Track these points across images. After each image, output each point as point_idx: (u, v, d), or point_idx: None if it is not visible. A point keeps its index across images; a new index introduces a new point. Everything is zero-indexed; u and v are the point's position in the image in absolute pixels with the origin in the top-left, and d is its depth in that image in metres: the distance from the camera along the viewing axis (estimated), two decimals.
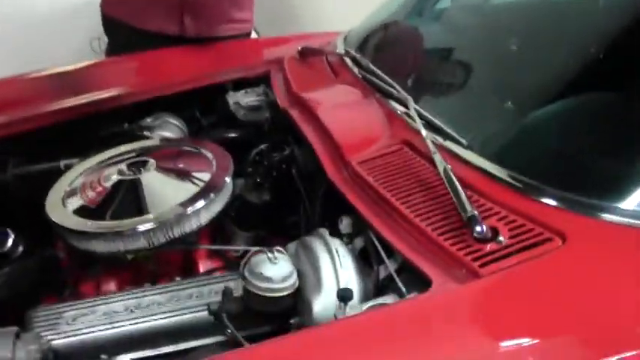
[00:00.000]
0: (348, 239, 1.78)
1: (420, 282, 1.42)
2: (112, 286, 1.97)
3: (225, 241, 2.10)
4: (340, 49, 2.48)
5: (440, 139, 1.77)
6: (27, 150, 2.39)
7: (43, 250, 1.98)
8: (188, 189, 1.98)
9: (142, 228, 1.82)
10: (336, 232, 1.78)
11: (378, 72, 2.10)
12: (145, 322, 1.78)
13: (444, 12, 2.61)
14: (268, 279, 1.57)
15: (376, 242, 1.61)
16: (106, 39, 3.34)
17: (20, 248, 1.92)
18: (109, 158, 2.20)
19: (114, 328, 1.77)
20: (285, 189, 2.10)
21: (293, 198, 2.09)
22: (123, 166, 2.03)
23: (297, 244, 1.76)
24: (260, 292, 1.58)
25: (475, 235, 1.44)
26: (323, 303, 1.56)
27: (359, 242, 1.73)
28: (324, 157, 1.87)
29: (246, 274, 1.60)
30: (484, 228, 1.44)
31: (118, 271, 1.99)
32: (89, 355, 1.75)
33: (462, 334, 1.32)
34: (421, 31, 2.52)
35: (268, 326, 1.67)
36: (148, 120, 2.51)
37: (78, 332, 1.76)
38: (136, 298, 1.83)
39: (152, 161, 2.04)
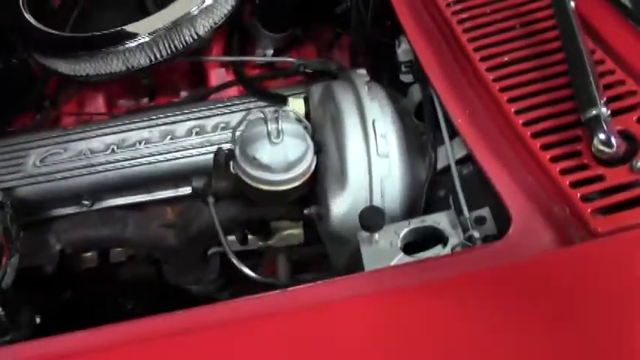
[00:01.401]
0: (407, 69, 1.21)
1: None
2: (98, 103, 1.51)
3: (246, 43, 1.53)
4: None
5: None
6: None
7: (10, 54, 1.48)
8: None
9: (141, 40, 1.30)
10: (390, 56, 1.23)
11: None
12: (130, 166, 1.35)
13: None
14: (266, 167, 1.06)
15: (441, 117, 1.04)
16: None
17: None
18: None
19: (90, 173, 1.36)
20: None
21: None
22: None
23: (324, 89, 1.20)
24: (254, 184, 1.08)
25: (595, 148, 0.84)
26: (346, 204, 1.05)
27: (416, 93, 1.16)
28: None
29: (237, 152, 1.09)
30: (612, 139, 0.83)
31: (106, 84, 1.51)
32: (63, 202, 1.41)
33: None
34: None
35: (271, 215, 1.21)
36: None
37: (46, 177, 1.37)
38: (120, 131, 1.38)
39: None
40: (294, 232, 1.31)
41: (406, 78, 1.24)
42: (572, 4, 0.93)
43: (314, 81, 1.43)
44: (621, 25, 0.96)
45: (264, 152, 1.05)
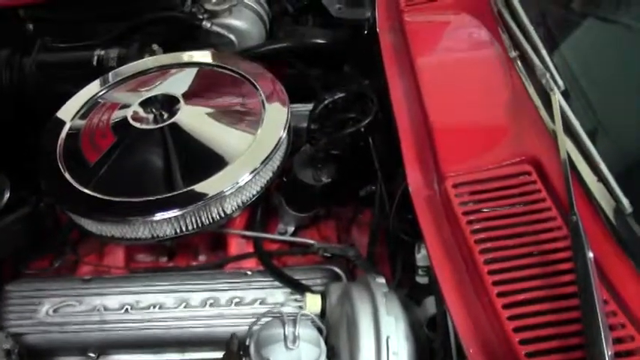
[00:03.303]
0: (424, 273, 1.24)
1: None
2: (117, 258, 1.54)
3: (269, 216, 1.58)
4: None
5: (589, 176, 1.10)
6: (63, 22, 1.89)
7: (38, 198, 1.53)
8: (227, 142, 1.45)
9: (169, 215, 1.34)
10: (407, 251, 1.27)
11: (519, 10, 1.37)
12: (142, 328, 1.37)
13: None
14: None
15: (451, 335, 1.06)
16: None
17: (6, 195, 1.48)
18: (135, 76, 1.67)
19: (102, 330, 1.38)
20: (358, 163, 1.51)
21: (366, 173, 1.51)
22: (138, 108, 1.49)
23: (343, 291, 1.23)
24: None
25: None
26: None
27: (430, 303, 1.18)
28: (409, 155, 1.27)
29: (251, 350, 1.10)
30: None
31: None
32: (69, 352, 1.43)
33: None
34: None
35: None
36: (214, 0, 1.91)
37: (58, 328, 1.40)
38: (137, 292, 1.40)
39: (181, 101, 1.49)
40: None
41: (422, 280, 1.27)
42: (591, 255, 0.97)
43: (332, 263, 1.47)
44: (636, 281, 0.99)
45: (279, 356, 1.07)
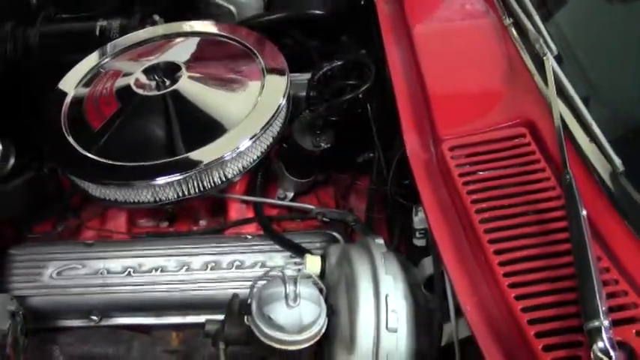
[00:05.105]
0: (421, 236, 1.27)
1: None
2: (120, 222, 1.57)
3: (269, 182, 1.61)
4: None
5: (582, 137, 1.13)
6: None
7: (41, 163, 1.55)
8: (228, 109, 1.48)
9: (172, 178, 1.37)
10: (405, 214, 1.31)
11: None
12: (144, 291, 1.41)
13: None
14: (280, 328, 1.10)
15: (450, 297, 1.09)
16: None
17: (11, 161, 1.49)
18: (135, 45, 1.69)
19: (104, 292, 1.41)
20: (356, 130, 1.54)
21: (365, 139, 1.54)
22: (141, 76, 1.52)
23: (342, 252, 1.26)
24: (266, 341, 1.11)
25: (595, 356, 0.88)
26: None
27: (428, 264, 1.21)
28: (406, 119, 1.30)
29: (253, 308, 1.13)
30: (611, 350, 0.87)
31: None
32: (73, 315, 1.46)
33: None
34: None
35: None
36: None
37: (61, 290, 1.43)
38: (139, 256, 1.43)
39: (183, 69, 1.51)
40: None
41: (419, 242, 1.30)
42: (585, 212, 1.00)
43: (330, 228, 1.51)
44: (629, 237, 1.02)
45: (280, 313, 1.10)
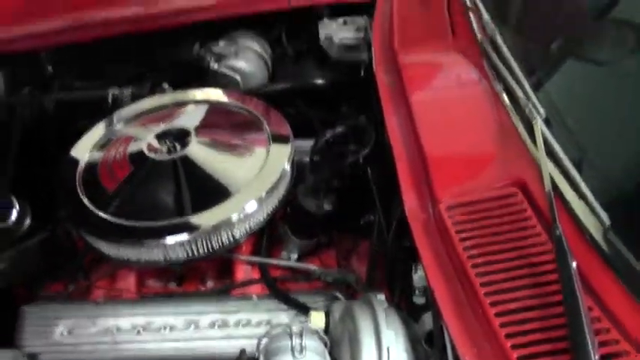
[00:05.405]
0: (420, 293, 1.32)
1: None
2: (129, 283, 1.62)
3: (274, 244, 1.67)
4: None
5: (570, 194, 1.19)
6: (80, 65, 2.02)
7: (56, 223, 1.62)
8: (235, 173, 1.55)
9: (182, 238, 1.43)
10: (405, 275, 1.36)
11: (503, 49, 1.48)
12: (152, 348, 1.45)
13: None
14: None
15: (448, 349, 1.13)
16: None
17: (27, 222, 1.56)
18: (146, 112, 1.78)
19: (114, 350, 1.45)
20: (357, 193, 1.61)
21: (366, 202, 1.60)
22: (153, 141, 1.60)
23: (345, 309, 1.31)
24: None
25: None
26: None
27: (428, 320, 1.26)
28: (405, 182, 1.37)
29: None
30: None
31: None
32: None
33: None
34: None
35: None
36: (221, 44, 2.05)
37: (72, 348, 1.47)
38: (148, 314, 1.48)
39: (192, 135, 1.60)
40: None
41: (419, 300, 1.35)
42: (575, 264, 1.05)
43: (333, 288, 1.56)
44: (618, 288, 1.07)
45: None
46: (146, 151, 1.57)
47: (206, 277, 1.63)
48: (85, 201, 1.52)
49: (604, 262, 1.10)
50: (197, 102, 1.81)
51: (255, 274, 1.60)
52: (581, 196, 1.17)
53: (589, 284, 1.07)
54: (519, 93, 1.37)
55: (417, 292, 1.33)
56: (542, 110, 1.31)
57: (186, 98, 1.83)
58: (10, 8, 2.04)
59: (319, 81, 2.00)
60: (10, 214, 1.54)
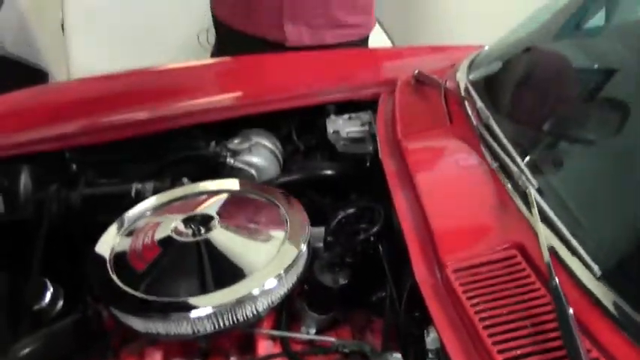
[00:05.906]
0: (434, 356, 1.41)
1: None
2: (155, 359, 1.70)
3: (292, 319, 1.77)
4: (461, 79, 2.03)
5: (564, 252, 1.32)
6: (102, 163, 2.19)
7: (86, 305, 1.72)
8: (255, 254, 1.68)
9: (205, 312, 1.53)
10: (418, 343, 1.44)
11: (497, 131, 1.65)
12: None
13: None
14: None
15: None
16: (213, 32, 3.06)
17: (60, 303, 1.67)
18: (169, 203, 1.93)
19: None
20: (370, 268, 1.73)
21: (378, 276, 1.72)
22: (179, 224, 1.74)
23: None
24: None
25: None
26: None
27: None
28: (414, 251, 1.50)
29: None
30: None
31: (167, 344, 1.72)
32: None
33: None
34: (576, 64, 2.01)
35: None
36: (236, 141, 2.22)
37: None
38: None
39: (216, 219, 1.74)
40: None
41: None
42: (571, 311, 1.17)
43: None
44: (613, 331, 1.18)
45: None
46: (173, 234, 1.70)
47: (229, 353, 1.71)
48: (118, 282, 1.63)
49: (597, 308, 1.21)
50: (219, 191, 1.95)
51: (276, 349, 1.68)
52: (574, 252, 1.30)
53: (586, 329, 1.18)
54: (513, 168, 1.53)
55: (430, 354, 1.43)
56: (534, 181, 1.46)
57: (207, 188, 1.97)
58: (39, 113, 2.25)
59: (328, 172, 2.15)
60: (44, 295, 1.65)
